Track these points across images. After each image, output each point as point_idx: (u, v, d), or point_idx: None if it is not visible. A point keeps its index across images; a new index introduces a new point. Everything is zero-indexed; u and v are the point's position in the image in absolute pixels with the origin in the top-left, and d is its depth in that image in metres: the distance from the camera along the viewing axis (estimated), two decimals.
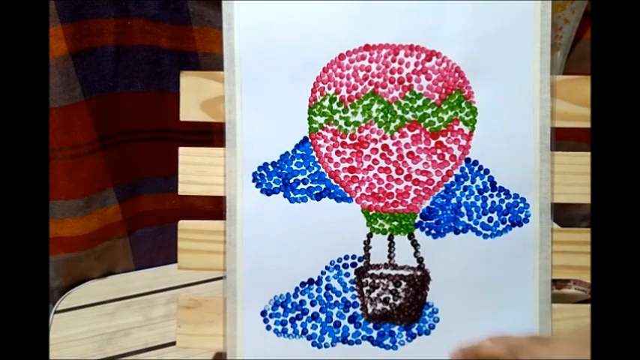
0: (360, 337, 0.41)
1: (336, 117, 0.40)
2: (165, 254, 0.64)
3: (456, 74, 0.40)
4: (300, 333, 0.41)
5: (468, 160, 0.40)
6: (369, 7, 0.40)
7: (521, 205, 0.41)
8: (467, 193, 0.41)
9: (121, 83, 0.54)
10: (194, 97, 0.41)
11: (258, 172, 0.40)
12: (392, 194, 0.41)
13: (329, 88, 0.40)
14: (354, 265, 0.41)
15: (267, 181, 0.40)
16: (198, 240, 0.41)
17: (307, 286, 0.41)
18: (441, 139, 0.40)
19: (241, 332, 0.41)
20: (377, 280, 0.41)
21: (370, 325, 0.41)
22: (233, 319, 0.41)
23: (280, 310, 0.41)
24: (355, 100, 0.40)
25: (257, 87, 0.40)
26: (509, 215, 0.41)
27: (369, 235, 0.41)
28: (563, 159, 0.41)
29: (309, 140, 0.40)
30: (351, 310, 0.41)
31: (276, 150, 0.40)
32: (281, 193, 0.41)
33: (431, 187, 0.41)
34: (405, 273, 0.41)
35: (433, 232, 0.41)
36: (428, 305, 0.41)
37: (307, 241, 0.41)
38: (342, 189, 0.41)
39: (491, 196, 0.41)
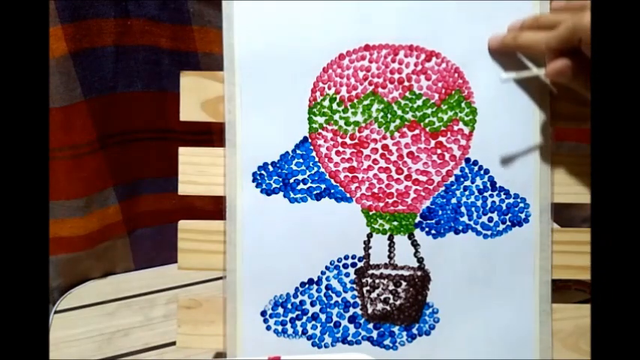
0: (360, 338, 0.41)
1: (336, 117, 0.40)
2: (166, 254, 0.64)
3: (456, 74, 0.40)
4: (300, 333, 0.41)
5: (468, 160, 0.40)
6: (368, 7, 0.40)
7: (522, 205, 0.41)
8: (467, 193, 0.41)
9: (121, 83, 0.54)
10: (194, 97, 0.41)
11: (258, 172, 0.40)
12: (392, 194, 0.41)
13: (329, 88, 0.40)
14: (354, 265, 0.41)
15: (267, 181, 0.40)
16: (198, 240, 0.41)
17: (307, 286, 0.41)
18: (440, 139, 0.40)
19: (241, 332, 0.41)
20: (377, 281, 0.41)
21: (370, 326, 0.41)
22: (233, 319, 0.41)
23: (280, 310, 0.41)
24: (355, 100, 0.40)
25: (257, 87, 0.40)
26: (510, 215, 0.41)
27: (369, 235, 0.41)
28: (564, 159, 0.41)
29: (309, 140, 0.40)
30: (351, 311, 0.41)
31: (276, 150, 0.40)
32: (281, 193, 0.41)
33: (431, 187, 0.41)
34: (405, 273, 0.41)
35: (433, 232, 0.41)
36: (428, 305, 0.41)
37: (307, 241, 0.41)
38: (342, 189, 0.41)
39: (491, 196, 0.41)
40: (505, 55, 0.39)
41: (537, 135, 0.40)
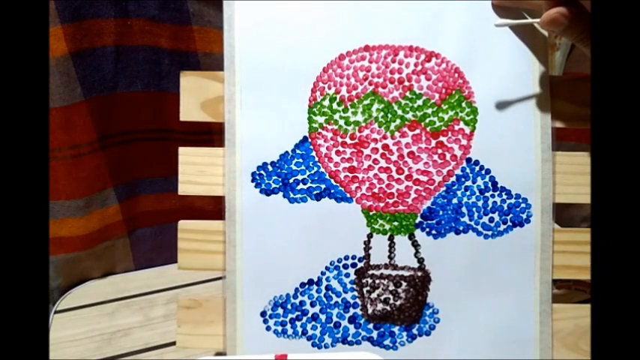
0: (360, 338, 0.41)
1: (336, 117, 0.40)
2: (166, 254, 0.64)
3: (456, 74, 0.40)
4: (300, 334, 0.41)
5: (469, 160, 0.40)
6: (368, 7, 0.40)
7: (523, 205, 0.41)
8: (468, 193, 0.41)
9: (121, 83, 0.54)
10: (194, 97, 0.41)
11: (258, 172, 0.40)
12: (392, 194, 0.41)
13: (329, 88, 0.40)
14: (354, 265, 0.41)
15: (267, 181, 0.40)
16: (198, 240, 0.41)
17: (307, 286, 0.41)
18: (441, 138, 0.40)
19: (241, 333, 0.41)
20: (377, 281, 0.41)
21: (370, 326, 0.41)
22: (233, 320, 0.41)
23: (280, 310, 0.41)
24: (355, 100, 0.40)
25: (257, 87, 0.40)
26: (511, 215, 0.41)
27: (370, 236, 0.41)
28: (564, 159, 0.41)
29: (309, 140, 0.40)
30: (351, 311, 0.41)
31: (276, 150, 0.40)
32: (280, 193, 0.40)
33: (432, 187, 0.41)
34: (406, 273, 0.41)
35: (434, 232, 0.41)
36: (428, 306, 0.41)
37: (307, 242, 0.41)
38: (342, 189, 0.41)
39: (492, 196, 0.41)
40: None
41: (538, 135, 0.40)
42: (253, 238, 0.40)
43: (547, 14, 0.35)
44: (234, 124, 0.40)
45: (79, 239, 0.58)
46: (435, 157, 0.40)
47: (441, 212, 0.41)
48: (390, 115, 0.40)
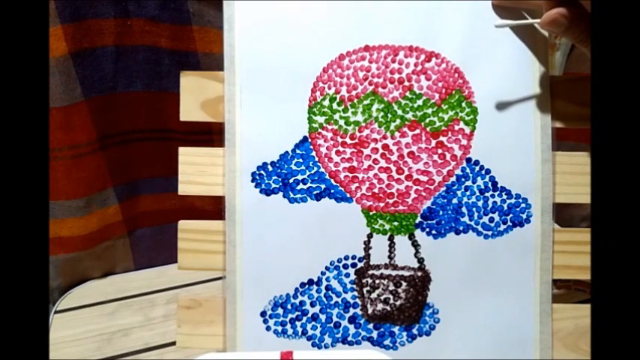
0: (360, 338, 0.41)
1: (336, 117, 0.40)
2: (166, 254, 0.64)
3: (456, 75, 0.40)
4: (300, 334, 0.41)
5: (469, 160, 0.40)
6: (368, 8, 0.40)
7: (523, 205, 0.41)
8: (468, 193, 0.41)
9: (121, 83, 0.54)
10: (194, 97, 0.41)
11: (257, 172, 0.40)
12: (392, 194, 0.41)
13: (329, 88, 0.40)
14: (354, 265, 0.41)
15: (267, 181, 0.40)
16: (198, 240, 0.41)
17: (307, 286, 0.41)
18: (441, 138, 0.40)
19: (241, 333, 0.41)
20: (377, 281, 0.41)
21: (370, 326, 0.41)
22: (233, 320, 0.41)
23: (280, 310, 0.41)
24: (355, 100, 0.40)
25: (257, 87, 0.40)
26: (511, 215, 0.41)
27: (370, 236, 0.41)
28: (564, 159, 0.41)
29: (309, 140, 0.40)
30: (351, 311, 0.41)
31: (276, 150, 0.40)
32: (280, 193, 0.40)
33: (432, 187, 0.41)
34: (406, 273, 0.41)
35: (434, 232, 0.41)
36: (428, 306, 0.41)
37: (307, 242, 0.41)
38: (342, 189, 0.41)
39: (492, 196, 0.41)
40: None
41: (538, 135, 0.40)
42: (253, 238, 0.40)
43: (547, 15, 0.35)
44: (234, 124, 0.40)
45: (79, 239, 0.58)
46: (435, 157, 0.40)
47: (441, 212, 0.41)
48: (390, 115, 0.40)
